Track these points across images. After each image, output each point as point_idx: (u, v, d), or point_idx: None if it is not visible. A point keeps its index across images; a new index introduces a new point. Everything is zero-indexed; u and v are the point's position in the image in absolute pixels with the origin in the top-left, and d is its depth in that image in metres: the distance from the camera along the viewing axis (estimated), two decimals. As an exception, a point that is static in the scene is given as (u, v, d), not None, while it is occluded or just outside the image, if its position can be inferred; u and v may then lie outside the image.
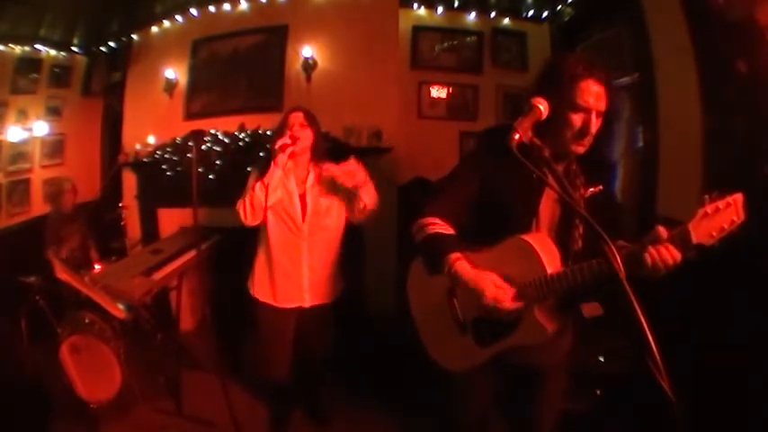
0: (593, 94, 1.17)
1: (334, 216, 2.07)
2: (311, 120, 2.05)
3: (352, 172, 1.93)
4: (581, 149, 1.22)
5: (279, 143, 1.94)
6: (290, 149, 1.94)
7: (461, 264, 1.22)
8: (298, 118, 2.02)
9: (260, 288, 2.09)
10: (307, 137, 2.01)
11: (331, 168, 1.97)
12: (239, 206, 1.96)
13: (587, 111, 1.18)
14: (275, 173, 1.93)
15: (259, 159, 2.17)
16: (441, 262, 1.24)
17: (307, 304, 2.08)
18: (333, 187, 2.01)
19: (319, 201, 2.04)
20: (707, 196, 0.98)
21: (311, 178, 2.05)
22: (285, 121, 2.03)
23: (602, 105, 1.19)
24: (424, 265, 1.38)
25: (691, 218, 0.99)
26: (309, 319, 2.12)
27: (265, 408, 2.45)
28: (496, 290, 1.17)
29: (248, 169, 2.10)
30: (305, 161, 2.06)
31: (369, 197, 1.98)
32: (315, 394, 2.45)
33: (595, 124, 1.19)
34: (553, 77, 1.21)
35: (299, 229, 2.03)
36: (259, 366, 2.26)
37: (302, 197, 2.03)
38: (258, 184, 1.92)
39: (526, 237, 1.21)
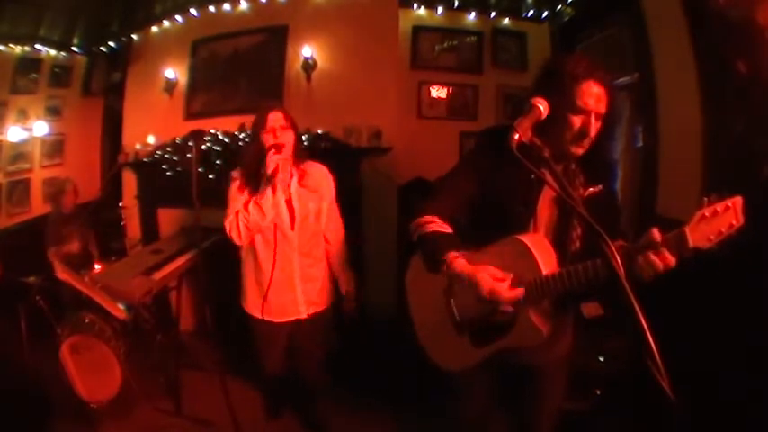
0: (593, 95, 1.16)
1: (317, 218, 2.00)
2: (290, 119, 1.92)
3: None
4: (580, 151, 1.21)
5: (270, 163, 1.79)
6: (279, 163, 1.82)
7: (459, 261, 1.20)
8: (278, 120, 1.87)
9: (253, 305, 2.04)
10: (289, 139, 1.88)
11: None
12: (230, 228, 1.85)
13: (587, 113, 1.17)
14: (269, 194, 1.82)
15: (239, 163, 2.02)
16: (438, 260, 1.23)
17: (303, 316, 2.03)
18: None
19: (307, 205, 1.96)
20: (705, 199, 0.96)
21: (294, 181, 1.95)
22: (263, 124, 1.88)
23: (602, 108, 1.18)
24: (422, 263, 1.37)
25: (688, 221, 0.97)
26: (306, 329, 2.08)
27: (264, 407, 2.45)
28: (493, 281, 1.15)
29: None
30: (288, 164, 1.95)
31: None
32: (312, 402, 2.37)
33: (595, 126, 1.18)
34: (553, 78, 1.20)
35: (289, 240, 1.93)
36: (257, 367, 2.27)
37: (288, 203, 1.94)
38: (252, 205, 1.82)
39: (522, 237, 1.21)
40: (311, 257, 2.02)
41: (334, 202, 2.09)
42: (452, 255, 1.22)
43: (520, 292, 1.16)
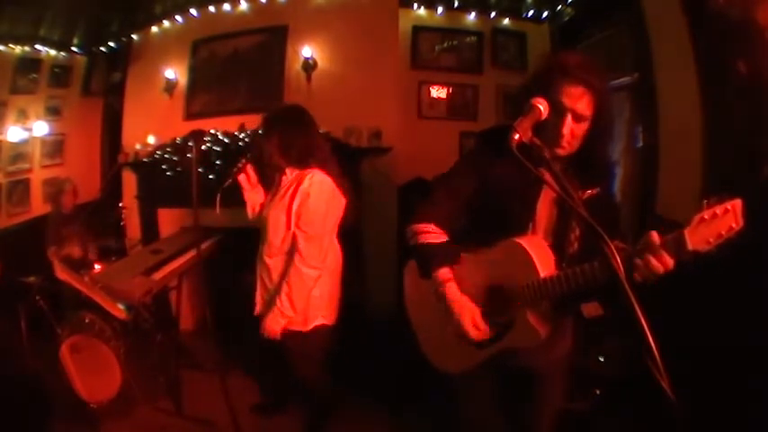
0: (569, 94, 1.14)
1: (280, 234, 1.87)
2: (268, 125, 1.89)
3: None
4: (561, 151, 1.20)
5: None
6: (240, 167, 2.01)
7: (450, 286, 1.26)
8: (260, 126, 1.93)
9: None
10: (264, 144, 1.87)
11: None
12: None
13: (563, 111, 1.15)
14: (250, 194, 2.08)
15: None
16: (430, 275, 1.28)
17: (256, 310, 2.01)
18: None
19: (270, 211, 1.91)
20: (705, 201, 0.95)
21: (281, 183, 1.94)
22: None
23: (581, 108, 1.15)
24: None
25: (687, 223, 0.96)
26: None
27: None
28: (472, 328, 1.23)
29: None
30: (280, 165, 1.91)
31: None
32: (311, 403, 2.29)
33: (571, 126, 1.16)
34: (537, 76, 1.20)
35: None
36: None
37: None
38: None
39: (520, 240, 1.21)
40: (267, 262, 1.96)
41: (300, 226, 1.81)
42: (444, 275, 1.26)
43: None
